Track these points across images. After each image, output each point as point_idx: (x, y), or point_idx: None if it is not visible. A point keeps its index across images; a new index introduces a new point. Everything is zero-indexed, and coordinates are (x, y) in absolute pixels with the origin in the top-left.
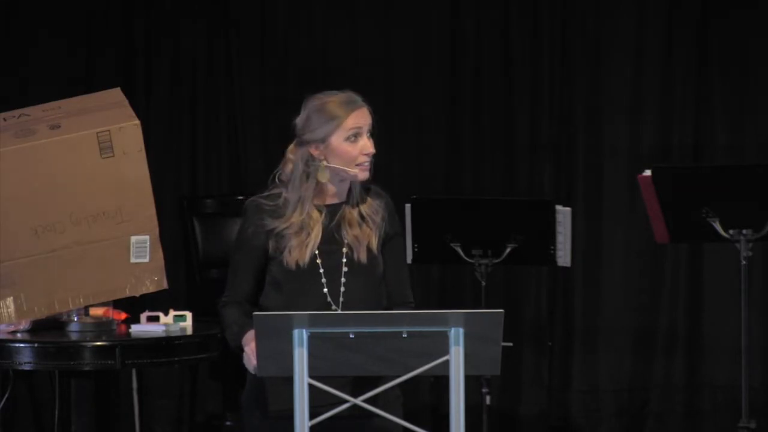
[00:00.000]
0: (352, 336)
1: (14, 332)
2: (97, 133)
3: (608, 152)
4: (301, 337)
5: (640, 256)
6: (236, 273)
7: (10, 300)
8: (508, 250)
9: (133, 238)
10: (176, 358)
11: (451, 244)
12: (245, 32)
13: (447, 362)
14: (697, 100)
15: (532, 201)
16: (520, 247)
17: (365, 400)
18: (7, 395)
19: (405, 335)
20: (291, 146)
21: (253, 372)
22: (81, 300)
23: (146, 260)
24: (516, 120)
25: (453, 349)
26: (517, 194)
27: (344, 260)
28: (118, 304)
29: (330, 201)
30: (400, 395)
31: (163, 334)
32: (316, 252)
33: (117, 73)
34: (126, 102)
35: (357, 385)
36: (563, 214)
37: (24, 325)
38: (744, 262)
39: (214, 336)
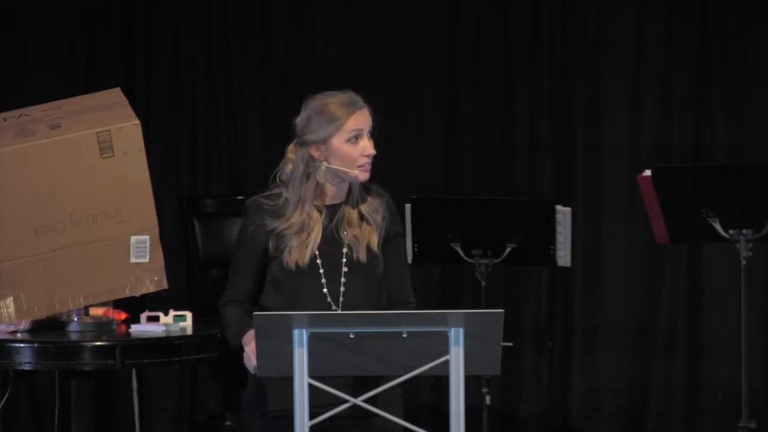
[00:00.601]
0: (352, 336)
1: (14, 332)
2: (97, 133)
3: (608, 152)
4: (301, 337)
5: (640, 256)
6: (237, 272)
7: (10, 300)
8: (508, 250)
9: (133, 238)
10: (176, 358)
11: (451, 244)
12: (245, 32)
13: (447, 362)
14: (697, 100)
15: (532, 201)
16: (520, 247)
17: (365, 400)
18: (7, 395)
19: (405, 335)
20: (291, 146)
21: (252, 372)
22: (81, 300)
23: (146, 260)
24: (516, 120)
25: (453, 349)
26: (517, 194)
27: (344, 260)
28: (118, 304)
29: (330, 201)
30: (402, 394)
31: (163, 334)
32: (316, 252)
33: (117, 73)
34: (126, 102)
35: (357, 385)
36: (563, 214)
37: (24, 325)
38: (744, 262)
39: (214, 336)
